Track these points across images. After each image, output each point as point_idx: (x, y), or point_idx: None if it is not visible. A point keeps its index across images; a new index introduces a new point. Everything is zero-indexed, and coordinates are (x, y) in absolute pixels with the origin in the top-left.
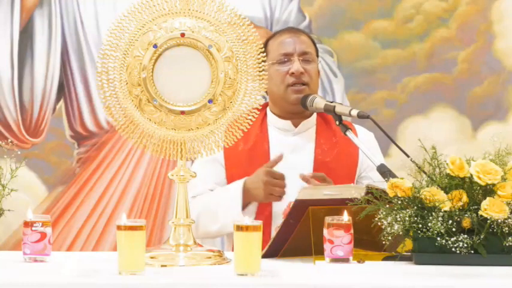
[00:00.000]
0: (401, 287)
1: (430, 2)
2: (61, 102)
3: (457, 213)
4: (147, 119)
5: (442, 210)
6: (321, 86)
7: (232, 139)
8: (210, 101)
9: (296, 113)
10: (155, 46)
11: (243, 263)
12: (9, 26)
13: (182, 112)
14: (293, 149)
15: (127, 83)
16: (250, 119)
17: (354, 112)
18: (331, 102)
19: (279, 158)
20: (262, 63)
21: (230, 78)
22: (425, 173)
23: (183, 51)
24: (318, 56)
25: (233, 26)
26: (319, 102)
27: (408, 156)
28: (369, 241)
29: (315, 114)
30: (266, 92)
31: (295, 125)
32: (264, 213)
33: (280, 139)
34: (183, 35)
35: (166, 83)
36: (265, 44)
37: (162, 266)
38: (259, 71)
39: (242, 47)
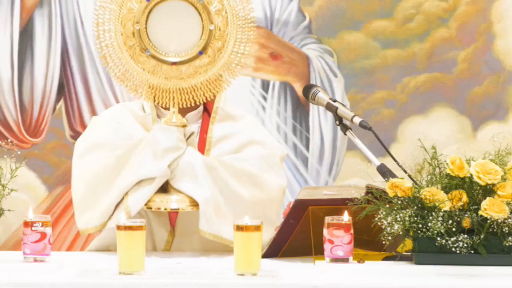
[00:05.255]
0: (401, 287)
1: (430, 2)
2: (61, 102)
3: (457, 213)
4: (141, 68)
5: (442, 210)
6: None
7: (221, 89)
8: (200, 52)
9: None
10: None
11: (243, 263)
12: (9, 26)
13: (174, 63)
14: None
15: (122, 34)
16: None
17: (357, 120)
18: (334, 101)
19: None
20: (251, 14)
21: (220, 30)
22: (417, 184)
23: (175, 4)
24: None
25: None
26: (322, 98)
27: (406, 171)
28: (369, 241)
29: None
30: None
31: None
32: None
33: None
34: None
35: (158, 35)
36: None
37: None
38: (249, 23)
39: None
